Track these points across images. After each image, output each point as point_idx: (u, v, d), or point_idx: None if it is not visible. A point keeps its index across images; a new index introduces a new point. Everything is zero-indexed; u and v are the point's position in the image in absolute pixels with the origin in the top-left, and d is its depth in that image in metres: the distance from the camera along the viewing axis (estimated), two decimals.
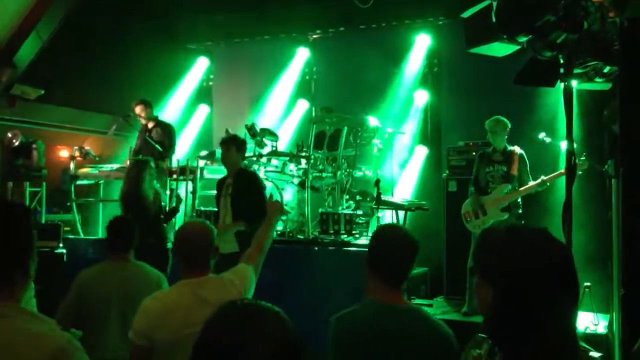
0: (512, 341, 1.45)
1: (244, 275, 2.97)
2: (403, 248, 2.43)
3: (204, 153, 8.38)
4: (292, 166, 7.40)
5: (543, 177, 5.67)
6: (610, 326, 5.22)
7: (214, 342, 1.17)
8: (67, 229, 7.54)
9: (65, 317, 3.50)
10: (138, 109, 7.82)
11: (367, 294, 2.43)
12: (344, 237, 6.70)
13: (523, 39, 2.67)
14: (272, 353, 1.15)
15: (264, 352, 1.15)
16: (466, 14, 2.90)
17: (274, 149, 7.58)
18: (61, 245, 6.98)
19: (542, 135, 6.27)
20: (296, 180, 7.36)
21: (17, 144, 7.64)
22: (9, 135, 7.68)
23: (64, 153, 9.36)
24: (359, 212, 7.38)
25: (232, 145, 5.69)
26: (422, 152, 8.56)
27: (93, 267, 3.85)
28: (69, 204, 7.91)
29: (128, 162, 7.72)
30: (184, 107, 10.21)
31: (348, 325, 2.37)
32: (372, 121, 7.73)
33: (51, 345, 1.53)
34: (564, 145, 5.99)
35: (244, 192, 5.48)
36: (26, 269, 1.59)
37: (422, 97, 8.67)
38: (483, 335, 2.08)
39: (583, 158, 5.55)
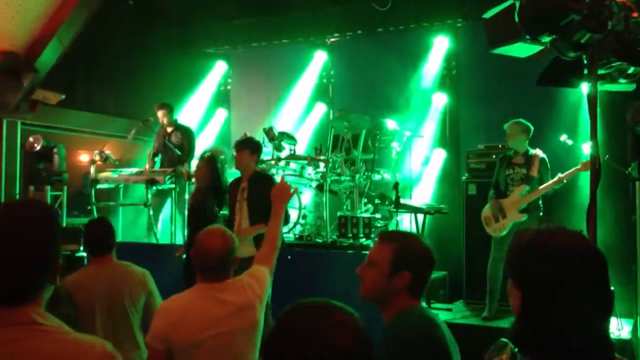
0: (537, 347, 1.41)
1: (261, 277, 2.95)
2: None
3: (222, 157, 8.41)
4: (310, 169, 7.40)
5: (560, 175, 5.59)
6: (634, 331, 5.14)
7: (297, 336, 1.16)
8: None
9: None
10: (160, 113, 7.90)
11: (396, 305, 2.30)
12: (363, 240, 6.67)
13: (546, 39, 2.63)
14: (354, 343, 1.15)
15: (347, 342, 1.14)
16: (488, 14, 2.87)
17: (292, 152, 7.59)
18: (82, 248, 7.03)
19: (563, 137, 6.20)
20: (314, 184, 7.35)
21: (38, 148, 7.74)
22: (31, 139, 7.78)
23: (84, 157, 9.47)
24: (378, 215, 7.35)
25: (245, 148, 5.57)
26: (440, 155, 8.51)
27: (78, 271, 3.84)
28: (89, 207, 7.98)
29: (147, 167, 7.79)
30: (202, 111, 10.27)
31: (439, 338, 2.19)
32: (390, 124, 7.70)
33: (101, 352, 1.52)
34: (585, 147, 5.94)
35: (260, 196, 5.41)
36: (52, 272, 1.57)
37: (440, 100, 8.62)
38: (505, 340, 2.05)
39: (604, 159, 5.47)
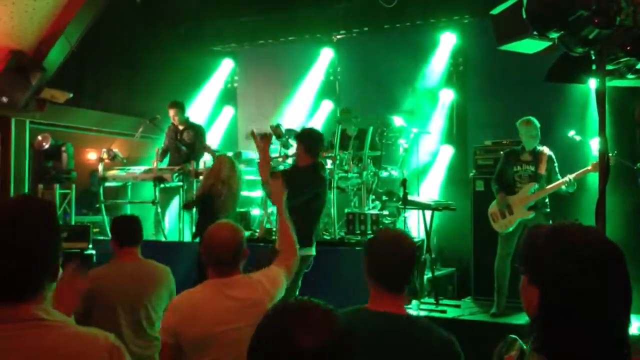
0: (557, 345, 1.40)
1: (274, 278, 2.94)
2: (401, 253, 2.27)
3: (229, 154, 8.43)
4: None
5: (569, 176, 5.55)
6: None
7: (266, 336, 1.18)
8: (96, 230, 7.64)
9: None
10: (172, 111, 7.93)
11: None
12: (370, 237, 6.67)
13: (554, 35, 2.63)
14: (320, 344, 1.15)
15: (310, 343, 1.14)
16: (495, 10, 2.86)
17: None
18: (91, 246, 7.07)
19: (571, 133, 6.18)
20: None
21: (47, 147, 7.78)
22: (39, 138, 7.82)
23: (92, 155, 9.50)
24: (385, 212, 7.35)
25: (299, 143, 5.45)
26: (448, 151, 8.50)
27: (103, 266, 3.91)
28: (97, 205, 8.03)
29: (155, 164, 7.82)
30: (210, 109, 10.29)
31: None
32: (398, 121, 7.69)
33: (105, 344, 1.53)
34: (593, 143, 5.91)
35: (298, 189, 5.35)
36: (53, 269, 1.57)
37: (447, 96, 8.61)
38: (514, 336, 2.05)
39: (613, 155, 5.44)
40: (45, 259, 1.54)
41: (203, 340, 2.66)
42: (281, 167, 7.22)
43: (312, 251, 5.20)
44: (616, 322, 1.39)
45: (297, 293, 5.09)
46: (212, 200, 5.83)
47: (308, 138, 5.43)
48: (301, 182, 5.08)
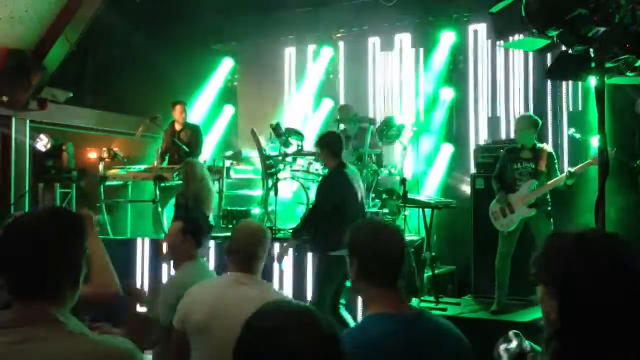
0: (580, 355, 1.36)
1: None
2: (396, 243, 2.06)
3: (229, 153, 8.45)
4: (317, 165, 7.40)
5: (570, 170, 5.55)
6: None
7: (253, 336, 1.18)
8: (97, 229, 7.63)
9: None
10: (179, 109, 7.96)
11: (366, 307, 2.07)
12: None
13: (554, 33, 2.64)
14: (305, 345, 1.15)
15: (299, 344, 1.15)
16: (495, 8, 2.87)
17: (299, 148, 7.60)
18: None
19: (571, 131, 6.18)
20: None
21: (47, 146, 7.79)
22: (40, 137, 7.83)
23: (92, 155, 9.50)
24: (385, 210, 7.35)
25: (319, 148, 5.52)
26: (448, 150, 8.50)
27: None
28: (98, 205, 8.03)
29: (156, 164, 7.83)
30: (210, 108, 10.30)
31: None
32: (398, 119, 7.70)
33: (122, 351, 1.56)
34: (594, 140, 5.92)
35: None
36: (76, 279, 1.62)
37: (447, 95, 8.61)
38: (516, 331, 2.05)
39: (613, 152, 5.44)
40: (70, 265, 1.59)
41: (202, 328, 2.71)
42: (281, 167, 7.24)
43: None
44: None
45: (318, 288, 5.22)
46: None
47: (329, 142, 5.47)
48: (326, 189, 5.33)
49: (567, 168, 5.59)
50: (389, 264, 2.01)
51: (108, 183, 8.07)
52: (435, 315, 2.28)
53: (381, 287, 2.00)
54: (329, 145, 5.41)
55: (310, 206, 5.51)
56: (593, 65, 2.85)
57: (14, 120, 8.08)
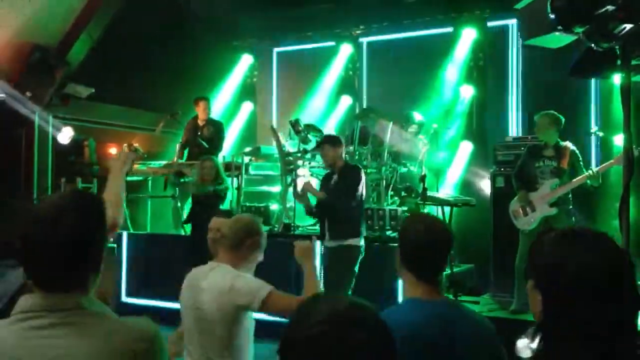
0: (561, 350, 1.38)
1: (247, 286, 2.76)
2: (441, 237, 2.16)
3: (248, 149, 8.49)
4: None
5: (592, 169, 5.47)
6: None
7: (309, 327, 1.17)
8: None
9: None
10: (202, 104, 8.03)
11: (405, 292, 2.20)
12: (389, 233, 6.67)
13: (579, 30, 2.60)
14: (363, 339, 1.15)
15: (354, 337, 1.14)
16: (520, 5, 2.84)
17: (318, 145, 7.60)
18: (112, 239, 7.13)
19: (594, 129, 6.11)
20: None
21: (69, 138, 7.88)
22: (63, 129, 7.93)
23: (113, 150, 9.58)
24: (404, 207, 7.34)
25: (325, 144, 5.78)
26: (467, 147, 8.45)
27: None
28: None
29: (176, 159, 7.89)
30: (229, 104, 10.35)
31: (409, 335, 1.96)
32: (417, 116, 7.67)
33: (148, 334, 1.58)
34: (617, 139, 5.85)
35: (343, 181, 5.63)
36: (99, 262, 1.62)
37: (467, 92, 8.56)
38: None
39: (638, 151, 5.36)
40: (91, 250, 1.59)
41: (183, 310, 2.87)
42: (299, 163, 7.25)
43: (361, 242, 5.50)
44: (623, 328, 1.35)
45: (354, 281, 5.36)
46: None
47: (336, 140, 5.80)
48: (360, 177, 5.57)
49: (590, 169, 5.49)
50: (429, 256, 2.12)
51: (128, 178, 8.12)
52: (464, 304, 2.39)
53: (420, 279, 2.11)
54: (337, 142, 5.75)
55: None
56: (618, 62, 2.81)
57: (37, 115, 8.19)
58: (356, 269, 5.40)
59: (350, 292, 5.25)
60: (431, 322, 2.03)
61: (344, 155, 5.86)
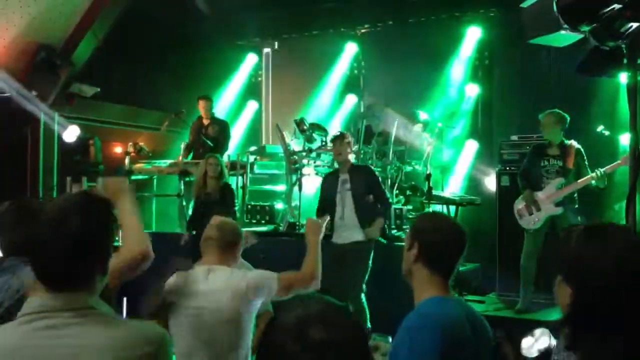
0: (589, 343, 1.40)
1: (261, 283, 2.82)
2: (462, 236, 2.17)
3: (253, 148, 8.50)
4: None
5: (598, 171, 5.44)
6: None
7: (276, 332, 1.19)
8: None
9: None
10: (203, 103, 8.03)
11: (425, 291, 2.09)
12: (394, 232, 6.67)
13: (586, 28, 2.59)
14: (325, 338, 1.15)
15: (316, 336, 1.14)
16: (525, 3, 2.83)
17: (323, 144, 7.61)
18: (117, 238, 7.14)
19: (600, 128, 6.08)
20: None
21: (75, 136, 7.90)
22: (68, 127, 7.94)
23: (118, 149, 9.61)
24: (409, 206, 7.33)
25: (343, 140, 5.75)
26: (472, 146, 8.44)
27: None
28: None
29: (180, 158, 7.90)
30: (234, 102, 10.35)
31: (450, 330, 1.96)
32: (422, 115, 7.66)
33: (155, 334, 1.61)
34: (624, 138, 5.82)
35: (362, 186, 5.66)
36: (105, 264, 1.64)
37: (472, 91, 8.54)
38: (544, 329, 2.05)
39: None
40: (98, 252, 1.61)
41: (173, 312, 2.82)
42: (304, 162, 7.25)
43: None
44: None
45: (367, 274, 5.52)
46: None
47: (350, 137, 5.88)
48: (381, 187, 5.89)
49: (597, 169, 5.46)
50: (453, 254, 2.11)
51: (133, 177, 8.17)
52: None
53: (437, 275, 2.07)
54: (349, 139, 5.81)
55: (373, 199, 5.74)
56: (625, 61, 2.80)
57: (42, 114, 8.21)
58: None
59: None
60: (462, 319, 2.02)
61: None
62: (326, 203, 5.76)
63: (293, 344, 1.12)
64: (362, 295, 5.43)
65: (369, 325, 5.33)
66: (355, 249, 5.53)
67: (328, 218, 3.26)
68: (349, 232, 5.56)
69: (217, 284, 2.75)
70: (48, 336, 1.49)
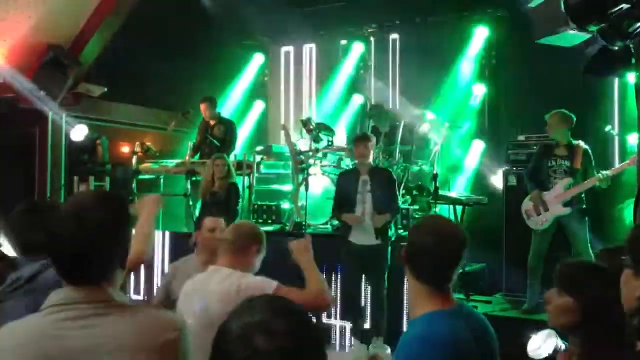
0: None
1: (255, 285, 2.76)
2: (447, 242, 2.01)
3: (260, 148, 8.51)
4: (348, 161, 7.40)
5: (603, 173, 5.41)
6: None
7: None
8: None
9: None
10: (203, 106, 8.04)
11: (419, 306, 2.00)
12: (401, 232, 6.66)
13: (594, 28, 2.58)
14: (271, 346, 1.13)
15: (260, 344, 1.13)
16: (533, 3, 2.83)
17: (330, 144, 7.60)
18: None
19: (608, 128, 6.05)
20: None
21: (83, 135, 7.93)
22: (77, 130, 7.97)
23: (125, 149, 9.64)
24: (416, 207, 7.32)
25: (367, 141, 5.81)
26: (480, 146, 8.41)
27: None
28: (131, 198, 8.15)
29: (188, 158, 7.91)
30: (240, 103, 10.37)
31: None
32: (429, 115, 7.64)
33: (176, 325, 1.65)
34: (631, 138, 5.79)
35: (382, 187, 5.74)
36: (124, 259, 1.69)
37: (480, 91, 8.51)
38: (552, 330, 2.05)
39: None
40: (116, 246, 1.66)
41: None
42: (311, 162, 7.25)
43: None
44: None
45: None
46: None
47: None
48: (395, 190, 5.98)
49: (601, 172, 5.43)
50: (443, 265, 1.99)
51: (141, 177, 8.20)
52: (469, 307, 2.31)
53: (435, 290, 1.98)
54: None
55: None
56: (633, 61, 2.79)
57: (50, 114, 8.25)
58: None
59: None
60: (466, 334, 1.94)
61: None
62: (346, 202, 5.80)
63: (242, 351, 1.13)
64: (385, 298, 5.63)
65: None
66: (375, 251, 5.65)
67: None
68: (368, 234, 5.64)
69: (210, 286, 2.74)
70: (73, 327, 1.54)
